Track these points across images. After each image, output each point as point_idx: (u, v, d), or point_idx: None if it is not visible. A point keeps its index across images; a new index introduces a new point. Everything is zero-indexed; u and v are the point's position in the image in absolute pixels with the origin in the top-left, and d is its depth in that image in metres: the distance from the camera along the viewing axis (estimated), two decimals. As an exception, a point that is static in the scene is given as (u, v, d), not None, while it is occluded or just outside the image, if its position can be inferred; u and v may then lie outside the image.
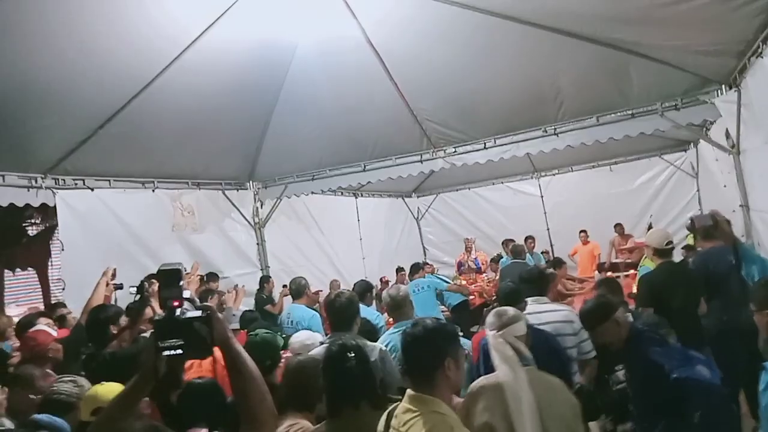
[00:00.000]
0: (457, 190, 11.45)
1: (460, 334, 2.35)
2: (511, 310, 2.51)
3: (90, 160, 5.52)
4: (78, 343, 3.52)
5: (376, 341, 3.37)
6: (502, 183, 10.96)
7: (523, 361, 2.30)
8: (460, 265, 10.07)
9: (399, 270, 8.81)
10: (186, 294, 1.41)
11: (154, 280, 3.63)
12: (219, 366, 2.95)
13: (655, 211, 9.56)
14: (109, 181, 5.96)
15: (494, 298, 4.87)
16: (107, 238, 5.81)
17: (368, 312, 4.62)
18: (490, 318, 2.50)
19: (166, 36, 4.47)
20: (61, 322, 4.53)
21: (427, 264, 9.36)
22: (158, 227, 6.50)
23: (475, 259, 9.91)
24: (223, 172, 7.29)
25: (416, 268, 7.51)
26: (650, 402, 2.72)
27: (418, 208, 12.09)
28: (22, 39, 3.87)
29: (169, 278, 1.42)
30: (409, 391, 1.92)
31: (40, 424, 2.41)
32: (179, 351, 1.33)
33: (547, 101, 5.78)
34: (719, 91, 5.10)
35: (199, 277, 5.55)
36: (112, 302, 4.45)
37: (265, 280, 7.31)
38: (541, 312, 3.60)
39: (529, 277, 4.00)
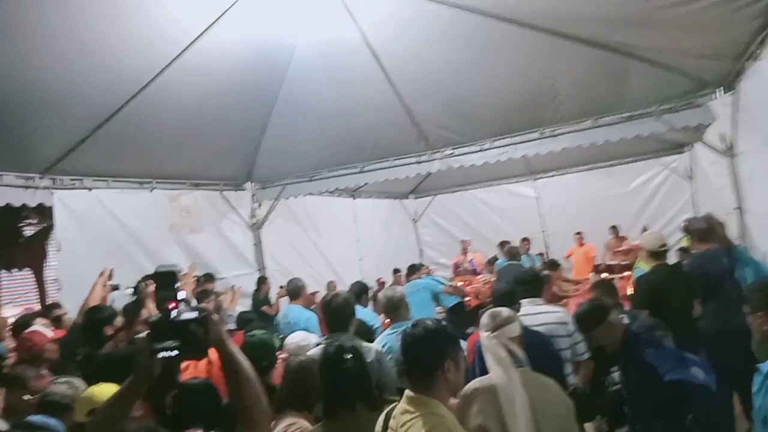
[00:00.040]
0: (454, 192, 11.45)
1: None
2: (505, 312, 2.51)
3: (88, 160, 5.51)
4: (74, 343, 3.52)
5: (372, 342, 3.38)
6: (498, 185, 10.95)
7: (517, 363, 2.31)
8: (456, 266, 10.08)
9: (396, 271, 8.81)
10: (181, 295, 1.42)
11: (150, 281, 3.63)
12: (214, 367, 2.96)
13: (651, 213, 9.59)
14: (107, 181, 5.95)
15: (490, 299, 4.88)
16: (104, 239, 5.80)
17: (364, 313, 4.63)
18: (484, 319, 2.50)
19: (165, 36, 4.47)
20: (57, 323, 4.53)
21: (424, 265, 9.37)
22: (156, 228, 6.49)
23: (471, 260, 9.92)
24: (221, 172, 7.29)
25: (413, 270, 7.53)
26: (645, 404, 2.74)
27: (415, 209, 12.09)
28: (22, 39, 3.87)
29: (166, 280, 1.43)
30: (407, 392, 1.92)
31: (34, 426, 2.41)
32: (174, 352, 1.34)
33: (544, 103, 5.80)
34: (715, 94, 5.12)
35: (195, 278, 5.54)
36: (109, 303, 4.45)
37: (262, 281, 7.31)
38: (535, 313, 3.61)
39: (524, 278, 4.02)
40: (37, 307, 8.87)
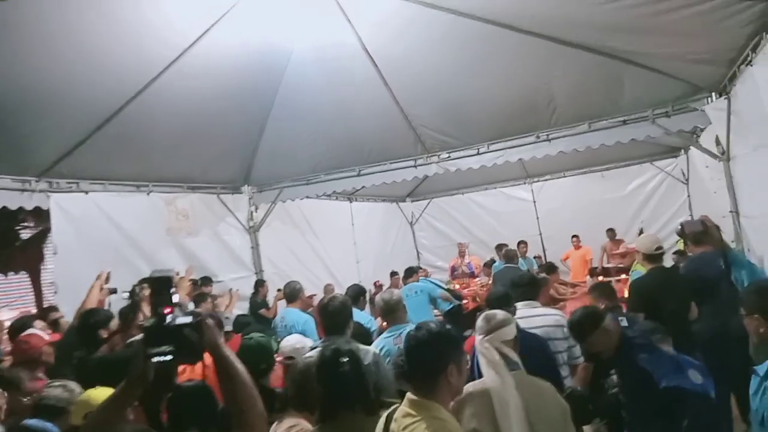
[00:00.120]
0: (450, 195, 11.47)
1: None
2: (500, 315, 2.50)
3: (85, 163, 5.51)
4: (70, 347, 3.52)
5: (369, 345, 3.38)
6: (495, 188, 10.99)
7: (511, 366, 2.31)
8: (453, 269, 10.10)
9: (393, 274, 8.82)
10: (175, 299, 1.43)
11: (145, 285, 3.63)
12: (210, 371, 2.96)
13: (646, 217, 9.64)
14: (103, 184, 5.94)
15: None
16: (101, 242, 5.78)
17: (361, 316, 4.62)
18: (479, 322, 2.50)
19: (162, 39, 4.48)
20: (54, 326, 4.52)
21: (421, 268, 9.38)
22: (153, 231, 6.48)
23: (469, 263, 9.95)
24: (219, 176, 7.29)
25: (410, 272, 7.54)
26: (641, 408, 2.74)
27: (412, 212, 12.11)
28: (20, 41, 3.87)
29: (161, 285, 1.44)
30: (409, 395, 1.92)
31: (30, 429, 2.41)
32: (168, 357, 1.35)
33: (540, 108, 5.83)
34: (709, 98, 5.16)
35: (190, 282, 5.53)
36: (106, 307, 4.45)
37: (259, 284, 7.31)
38: (532, 316, 3.62)
39: (521, 281, 4.03)
40: (34, 310, 8.83)
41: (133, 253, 6.10)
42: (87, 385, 2.59)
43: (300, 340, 3.53)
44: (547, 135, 6.02)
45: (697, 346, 3.77)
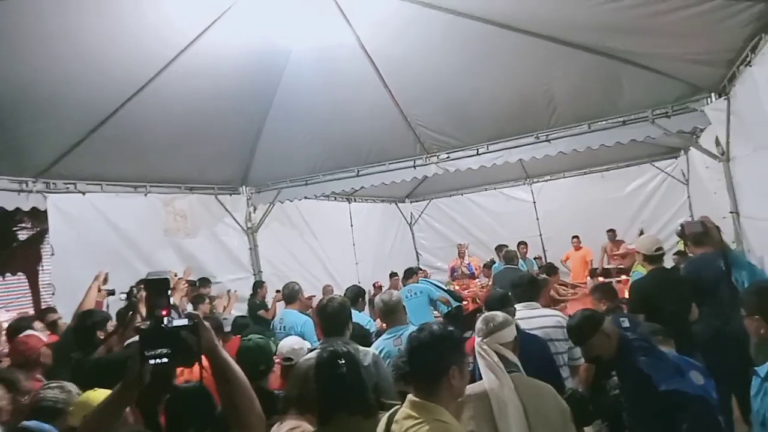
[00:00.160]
0: (450, 196, 11.48)
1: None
2: (499, 316, 2.49)
3: (82, 164, 5.49)
4: (68, 348, 3.50)
5: (368, 346, 3.37)
6: (494, 189, 11.00)
7: (510, 368, 2.30)
8: (453, 270, 10.10)
9: (392, 275, 8.81)
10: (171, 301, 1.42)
11: (143, 286, 3.61)
12: (207, 373, 2.94)
13: (646, 217, 9.64)
14: (101, 185, 5.92)
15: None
16: (99, 243, 5.76)
17: (360, 317, 4.61)
18: (478, 324, 2.49)
19: (161, 39, 4.46)
20: (52, 327, 4.49)
21: (421, 269, 9.37)
22: (151, 232, 6.46)
23: (468, 264, 9.95)
24: (216, 176, 7.27)
25: (409, 273, 7.52)
26: (641, 411, 2.73)
27: (411, 213, 12.11)
28: (18, 41, 3.85)
29: (157, 287, 1.43)
30: (410, 397, 1.90)
31: (28, 430, 2.39)
32: (165, 359, 1.34)
33: (539, 108, 5.82)
34: (709, 99, 5.16)
35: (186, 285, 5.51)
36: (105, 308, 4.42)
37: (258, 285, 7.29)
38: (532, 317, 3.61)
39: (521, 282, 4.02)
40: (31, 311, 8.79)
41: (131, 254, 6.08)
42: (83, 386, 2.57)
43: (298, 341, 3.52)
44: (547, 135, 6.02)
45: (697, 347, 3.76)
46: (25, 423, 2.42)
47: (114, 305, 4.30)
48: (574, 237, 9.75)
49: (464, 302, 8.05)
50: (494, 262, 9.04)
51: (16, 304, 10.24)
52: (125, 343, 3.39)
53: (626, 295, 4.74)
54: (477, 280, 9.55)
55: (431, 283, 7.68)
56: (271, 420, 2.40)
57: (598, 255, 9.62)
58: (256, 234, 7.90)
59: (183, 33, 4.52)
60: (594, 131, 5.80)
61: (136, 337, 1.41)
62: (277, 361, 3.33)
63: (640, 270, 5.15)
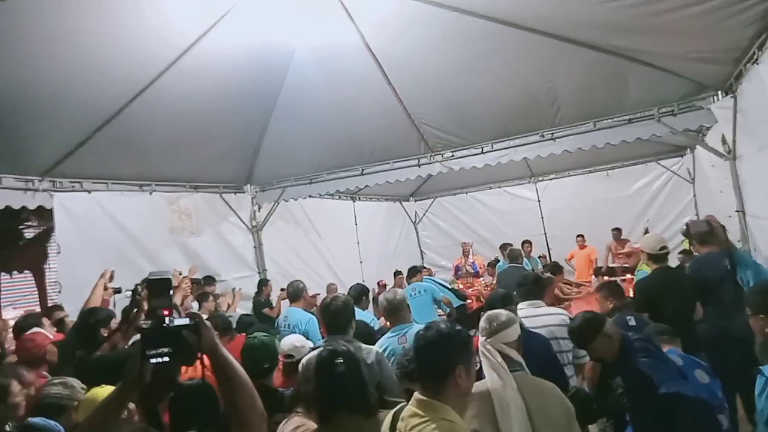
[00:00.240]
0: (454, 194, 11.47)
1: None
2: (503, 315, 2.48)
3: (87, 163, 5.51)
4: (73, 346, 3.51)
5: (373, 344, 3.37)
6: (499, 187, 10.97)
7: (513, 367, 2.29)
8: (457, 269, 10.09)
9: (397, 273, 8.82)
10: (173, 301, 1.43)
11: (145, 285, 3.62)
12: (209, 372, 2.95)
13: (652, 216, 9.59)
14: (106, 183, 5.96)
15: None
16: (104, 241, 5.80)
17: (363, 316, 4.62)
18: (481, 323, 2.48)
19: (163, 40, 4.47)
20: (59, 325, 4.51)
21: (425, 267, 9.37)
22: (156, 230, 6.49)
23: (473, 263, 9.94)
24: (221, 175, 7.29)
25: (414, 272, 7.53)
26: (642, 412, 2.72)
27: (416, 211, 12.11)
28: (20, 42, 3.87)
29: (159, 287, 1.44)
30: (416, 395, 1.90)
31: (35, 427, 2.40)
32: (166, 359, 1.34)
33: (544, 106, 5.80)
34: (715, 97, 5.12)
35: (189, 285, 5.52)
36: (111, 306, 4.45)
37: (263, 283, 7.32)
38: (536, 315, 3.60)
39: (525, 281, 4.01)
40: (38, 309, 8.85)
41: (136, 253, 6.11)
42: (88, 384, 2.59)
43: (299, 339, 3.53)
44: (552, 134, 5.99)
45: (701, 346, 3.75)
46: (31, 420, 2.44)
47: (121, 303, 4.31)
48: (578, 236, 9.72)
49: (468, 301, 8.05)
50: (498, 261, 9.02)
51: (23, 302, 10.31)
52: (130, 341, 3.42)
53: (631, 294, 4.73)
54: (481, 278, 9.54)
55: (435, 281, 7.68)
56: (275, 418, 2.41)
57: (602, 254, 9.58)
58: (261, 232, 7.92)
59: (183, 34, 4.53)
60: (599, 129, 5.77)
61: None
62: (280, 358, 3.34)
63: (645, 269, 5.13)
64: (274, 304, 6.97)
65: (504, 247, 8.70)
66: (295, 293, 5.47)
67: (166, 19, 4.26)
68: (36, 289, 10.69)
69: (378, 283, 9.13)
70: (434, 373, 1.90)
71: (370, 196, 10.45)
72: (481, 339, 2.39)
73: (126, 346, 3.38)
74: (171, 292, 1.43)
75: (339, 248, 9.33)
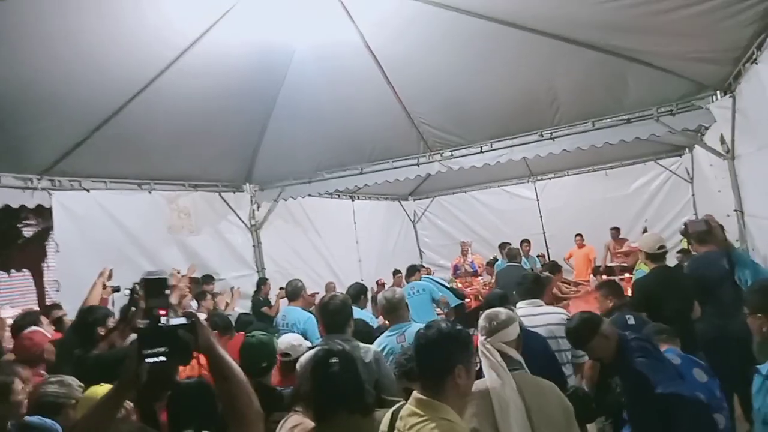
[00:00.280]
0: (453, 194, 11.47)
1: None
2: (502, 314, 2.48)
3: (86, 162, 5.51)
4: (71, 344, 3.51)
5: (371, 343, 3.37)
6: (498, 186, 10.97)
7: (513, 366, 2.29)
8: (456, 268, 10.10)
9: (395, 272, 8.83)
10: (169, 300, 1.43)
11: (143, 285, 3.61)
12: (205, 371, 2.95)
13: (650, 215, 9.60)
14: (105, 182, 5.95)
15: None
16: (103, 240, 5.79)
17: (362, 315, 4.62)
18: (480, 322, 2.48)
19: (163, 39, 4.46)
20: (58, 324, 4.51)
21: (424, 266, 9.37)
22: (155, 229, 6.49)
23: (472, 262, 9.95)
24: (220, 174, 7.29)
25: (412, 271, 7.53)
26: (639, 412, 2.72)
27: (415, 211, 12.10)
28: (19, 41, 3.86)
29: (156, 287, 1.44)
30: (415, 394, 1.90)
31: (32, 427, 2.40)
32: (162, 358, 1.35)
33: (543, 106, 5.80)
34: (714, 96, 5.12)
35: (187, 284, 5.52)
36: (110, 305, 4.44)
37: (262, 282, 7.32)
38: (535, 314, 3.60)
39: (524, 280, 4.02)
40: (36, 308, 8.84)
41: (135, 251, 6.11)
42: (86, 382, 2.59)
43: (296, 338, 3.54)
44: (551, 133, 5.99)
45: (700, 345, 3.75)
46: (28, 419, 2.43)
47: (119, 302, 4.31)
48: (577, 235, 9.73)
49: (467, 300, 8.05)
50: (497, 260, 9.03)
51: (21, 301, 10.30)
52: (127, 341, 3.41)
53: (629, 293, 4.73)
54: (480, 277, 9.54)
55: (434, 280, 7.68)
56: (273, 416, 2.42)
57: (601, 253, 9.60)
58: (260, 231, 7.92)
59: (183, 34, 4.52)
60: (598, 129, 5.77)
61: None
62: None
63: (643, 268, 5.14)
64: (272, 303, 6.97)
65: (503, 246, 8.71)
66: (293, 292, 5.47)
67: (166, 19, 4.25)
68: (34, 287, 10.69)
69: (377, 282, 9.13)
70: (434, 372, 1.90)
71: (369, 195, 10.44)
72: (481, 338, 2.39)
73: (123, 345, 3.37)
74: (168, 291, 1.43)
75: (338, 247, 9.33)
